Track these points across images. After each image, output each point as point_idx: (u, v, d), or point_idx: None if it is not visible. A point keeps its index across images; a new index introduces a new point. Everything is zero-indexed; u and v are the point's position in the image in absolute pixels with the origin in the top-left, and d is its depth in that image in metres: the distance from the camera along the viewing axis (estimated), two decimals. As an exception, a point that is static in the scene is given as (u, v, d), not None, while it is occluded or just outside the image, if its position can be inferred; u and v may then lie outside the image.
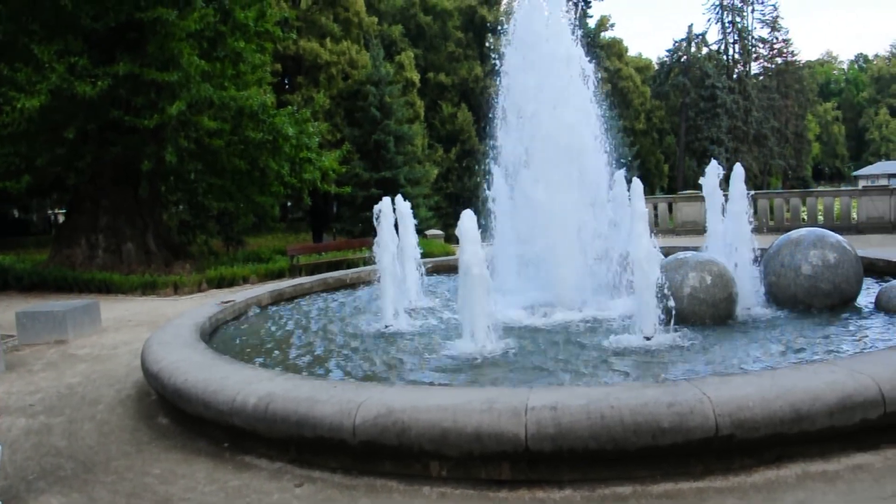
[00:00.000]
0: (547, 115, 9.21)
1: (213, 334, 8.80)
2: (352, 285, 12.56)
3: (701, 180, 9.59)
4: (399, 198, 10.75)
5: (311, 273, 17.32)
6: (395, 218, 9.72)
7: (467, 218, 7.26)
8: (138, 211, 19.60)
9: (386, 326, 8.60)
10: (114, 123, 17.22)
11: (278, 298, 11.24)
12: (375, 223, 9.28)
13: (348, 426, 4.70)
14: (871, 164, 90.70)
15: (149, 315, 13.16)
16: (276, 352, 7.82)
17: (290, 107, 21.86)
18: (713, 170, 9.36)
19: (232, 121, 18.81)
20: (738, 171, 9.16)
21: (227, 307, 9.79)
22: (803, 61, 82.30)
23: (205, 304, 10.31)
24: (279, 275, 18.41)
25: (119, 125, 17.21)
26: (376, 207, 9.41)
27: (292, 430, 4.96)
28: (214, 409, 5.46)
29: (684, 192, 30.07)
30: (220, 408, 5.40)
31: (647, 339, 7.03)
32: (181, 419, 6.17)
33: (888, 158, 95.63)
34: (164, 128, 17.51)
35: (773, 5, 73.40)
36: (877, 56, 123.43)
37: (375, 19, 44.11)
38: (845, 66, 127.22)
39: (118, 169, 18.80)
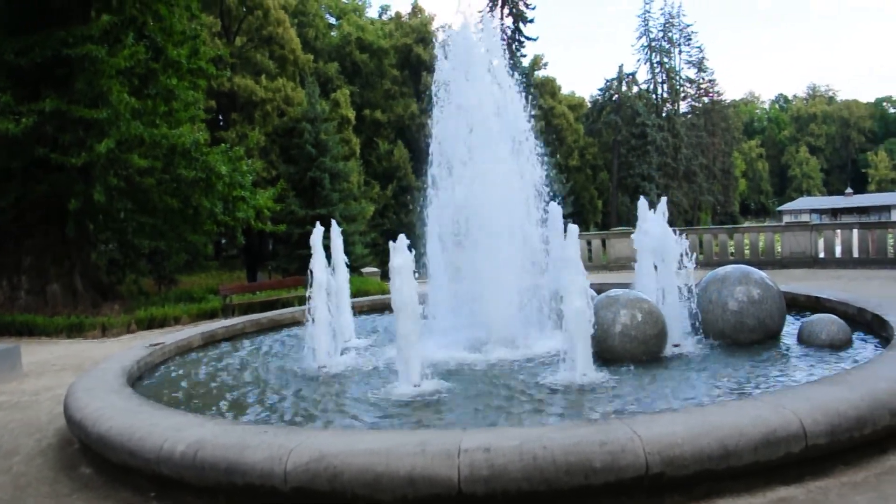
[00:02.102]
0: (479, 154, 9.32)
1: (141, 379, 8.54)
2: (286, 325, 12.37)
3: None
4: (334, 225, 10.61)
5: (245, 313, 17.00)
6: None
7: (400, 254, 7.25)
8: (65, 250, 18.96)
9: (320, 367, 8.47)
10: (40, 161, 16.70)
11: (210, 340, 10.98)
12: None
13: (279, 472, 4.60)
14: (793, 199, 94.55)
15: (74, 359, 12.69)
16: (207, 397, 7.62)
17: (223, 144, 21.59)
18: (644, 208, 9.57)
19: (164, 159, 18.43)
20: (661, 205, 9.38)
21: (156, 350, 9.53)
22: (728, 100, 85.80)
23: (133, 347, 10.00)
24: (212, 315, 18.01)
25: (45, 163, 16.72)
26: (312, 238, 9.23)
27: (221, 477, 4.83)
28: (140, 457, 5.28)
29: (617, 228, 30.67)
30: (146, 456, 5.23)
31: (584, 375, 7.08)
32: (105, 469, 5.94)
33: (809, 194, 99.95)
34: (92, 166, 17.04)
35: (699, 47, 76.75)
36: (795, 97, 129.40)
37: (311, 57, 44.22)
38: (767, 106, 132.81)
39: (44, 207, 18.23)
